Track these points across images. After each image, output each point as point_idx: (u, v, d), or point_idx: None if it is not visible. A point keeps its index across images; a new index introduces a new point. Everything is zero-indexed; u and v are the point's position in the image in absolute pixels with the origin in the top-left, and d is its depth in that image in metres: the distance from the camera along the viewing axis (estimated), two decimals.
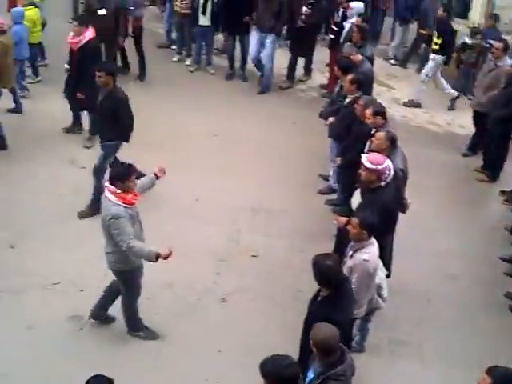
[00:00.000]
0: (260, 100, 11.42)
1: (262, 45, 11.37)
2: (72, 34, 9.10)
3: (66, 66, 9.51)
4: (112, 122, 7.74)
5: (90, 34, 9.08)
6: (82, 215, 8.01)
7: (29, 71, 10.92)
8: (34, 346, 6.16)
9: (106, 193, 5.81)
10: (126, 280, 6.19)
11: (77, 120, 9.71)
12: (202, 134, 10.06)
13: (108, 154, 7.98)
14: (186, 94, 11.20)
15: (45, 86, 10.81)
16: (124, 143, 8.05)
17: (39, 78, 11.07)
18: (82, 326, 6.52)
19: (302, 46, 11.54)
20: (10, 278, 7.03)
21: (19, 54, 10.07)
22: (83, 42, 9.00)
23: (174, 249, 5.68)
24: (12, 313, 6.62)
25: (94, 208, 7.67)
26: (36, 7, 10.65)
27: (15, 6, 10.58)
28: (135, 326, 6.46)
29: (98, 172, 7.97)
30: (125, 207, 5.75)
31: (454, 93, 11.79)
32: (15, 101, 9.99)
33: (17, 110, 10.03)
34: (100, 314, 6.52)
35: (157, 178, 6.43)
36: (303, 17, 11.14)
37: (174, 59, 12.39)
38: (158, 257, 5.66)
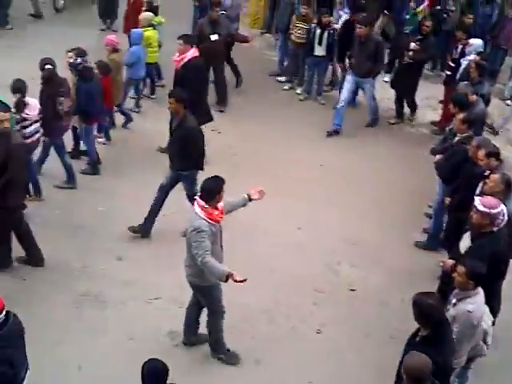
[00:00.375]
0: (368, 133, 11.36)
1: (357, 88, 11.32)
2: (177, 53, 9.39)
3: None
4: (184, 152, 7.70)
5: (193, 52, 9.34)
6: (135, 230, 8.13)
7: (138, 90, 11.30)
8: (133, 357, 6.32)
9: (195, 206, 5.90)
10: (204, 295, 6.25)
11: None
12: (306, 163, 10.12)
13: (191, 183, 7.93)
14: (293, 121, 11.31)
15: (158, 106, 11.14)
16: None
17: (154, 96, 11.50)
18: (177, 342, 6.65)
19: (404, 82, 11.21)
20: (114, 288, 7.30)
21: (135, 73, 10.54)
22: (186, 59, 9.26)
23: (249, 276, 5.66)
24: (115, 322, 6.86)
25: (149, 226, 8.01)
26: (154, 29, 11.07)
27: (135, 27, 11.05)
28: (218, 348, 6.50)
29: (192, 198, 8.07)
30: (209, 223, 5.81)
31: None
32: (124, 113, 10.47)
33: (127, 121, 10.50)
34: (192, 340, 6.62)
35: (250, 199, 6.37)
36: (411, 53, 10.98)
37: (285, 87, 12.55)
38: (228, 278, 5.65)
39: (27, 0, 14.29)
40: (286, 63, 12.92)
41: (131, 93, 10.96)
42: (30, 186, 8.43)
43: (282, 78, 12.66)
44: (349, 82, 11.02)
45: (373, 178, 9.87)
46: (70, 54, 8.84)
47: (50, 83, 8.38)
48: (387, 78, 12.22)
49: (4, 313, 4.84)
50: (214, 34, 10.77)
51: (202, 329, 6.56)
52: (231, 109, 11.48)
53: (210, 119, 9.74)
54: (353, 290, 7.66)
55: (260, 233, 8.35)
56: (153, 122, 10.55)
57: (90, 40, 10.75)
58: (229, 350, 6.50)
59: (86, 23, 13.26)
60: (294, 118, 11.43)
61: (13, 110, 7.74)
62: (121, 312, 7.00)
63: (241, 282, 5.60)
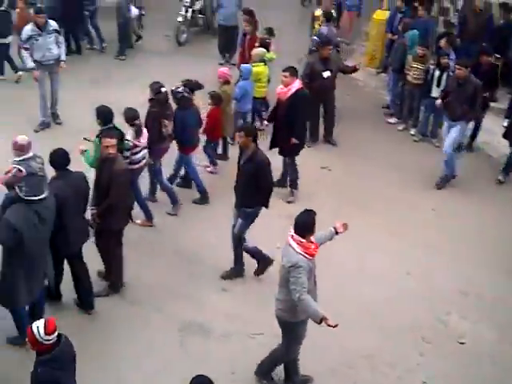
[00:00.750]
0: (483, 179, 10.90)
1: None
2: (281, 85, 9.44)
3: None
4: (251, 187, 7.58)
5: (297, 84, 9.38)
6: (225, 276, 8.08)
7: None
8: None
9: (290, 241, 5.89)
10: (288, 331, 6.23)
11: (285, 174, 9.96)
12: (418, 206, 9.85)
13: (247, 222, 7.82)
14: (406, 162, 11.06)
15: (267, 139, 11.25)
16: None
17: (262, 127, 11.56)
18: (280, 379, 6.60)
19: None
20: (218, 320, 7.35)
21: (243, 106, 10.75)
22: (292, 91, 9.28)
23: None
24: (217, 354, 6.88)
25: (237, 271, 7.99)
26: (265, 64, 11.24)
27: (245, 63, 11.31)
28: (265, 373, 6.48)
29: (236, 240, 7.96)
30: (306, 258, 5.81)
31: None
32: (224, 148, 10.65)
33: (222, 157, 10.62)
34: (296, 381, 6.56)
35: (337, 233, 6.36)
36: None
37: (399, 128, 12.35)
38: (322, 320, 5.61)
39: (148, 34, 15.02)
40: (390, 101, 12.76)
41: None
42: (141, 210, 8.71)
43: (393, 120, 12.48)
44: (446, 126, 10.67)
45: (490, 227, 9.45)
46: (179, 84, 9.13)
47: (159, 105, 8.71)
48: (505, 123, 11.75)
49: (56, 334, 4.97)
50: (325, 70, 10.82)
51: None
52: (342, 146, 11.42)
53: (301, 147, 9.72)
54: (462, 343, 7.33)
55: (366, 275, 8.16)
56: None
57: (207, 72, 11.01)
58: (272, 379, 6.51)
59: (205, 57, 13.65)
60: (407, 159, 11.20)
61: (128, 137, 8.11)
62: (224, 344, 7.03)
63: (333, 327, 5.58)
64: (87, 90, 12.16)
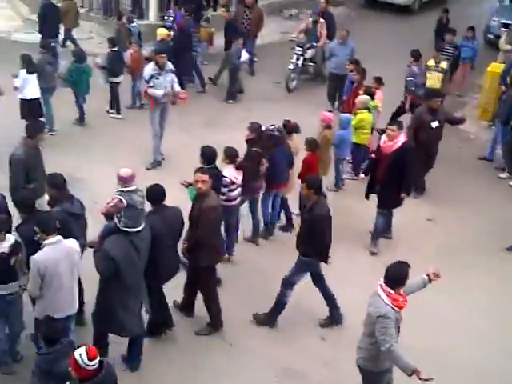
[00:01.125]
0: None
1: None
2: (385, 138, 9.30)
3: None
4: (310, 237, 7.55)
5: (403, 137, 9.27)
6: (257, 319, 7.97)
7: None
8: None
9: (379, 291, 5.85)
10: (369, 381, 6.12)
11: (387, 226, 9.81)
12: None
13: (300, 270, 7.72)
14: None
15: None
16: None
17: (357, 178, 11.40)
18: None
19: None
20: (315, 368, 7.34)
21: (341, 153, 10.88)
22: (398, 144, 9.16)
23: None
24: None
25: (272, 317, 7.84)
26: (369, 112, 11.19)
27: (349, 111, 11.37)
28: None
29: (285, 283, 7.80)
30: (394, 310, 5.73)
31: None
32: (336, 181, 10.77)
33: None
34: None
35: (430, 280, 6.21)
36: None
37: (502, 175, 11.90)
38: (413, 373, 5.48)
39: (259, 80, 15.36)
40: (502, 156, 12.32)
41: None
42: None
43: (504, 175, 11.99)
44: None
45: None
46: (273, 126, 9.27)
47: (258, 145, 8.90)
48: None
49: (98, 360, 5.15)
50: (434, 121, 10.66)
51: None
52: (451, 198, 11.13)
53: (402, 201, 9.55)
54: None
55: (465, 331, 7.87)
56: (356, 201, 10.38)
57: (314, 119, 11.04)
58: None
59: (313, 104, 13.70)
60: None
61: (226, 174, 8.34)
62: None
63: (426, 380, 5.42)
64: (196, 132, 12.51)
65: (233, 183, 8.41)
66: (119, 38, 13.60)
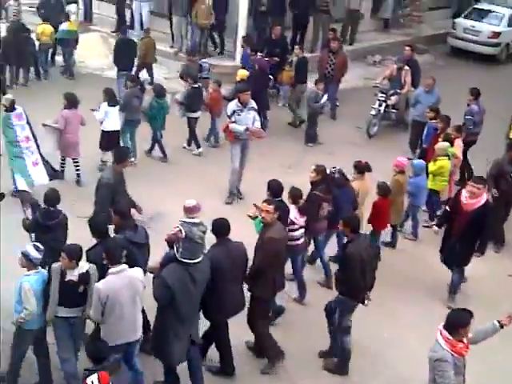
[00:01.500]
0: None
1: None
2: (467, 194, 9.00)
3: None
4: (343, 275, 7.53)
5: (486, 195, 9.07)
6: (327, 366, 7.90)
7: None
8: None
9: (438, 335, 5.85)
10: None
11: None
12: None
13: (342, 311, 7.60)
14: None
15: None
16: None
17: (429, 224, 11.08)
18: None
19: None
20: None
21: (416, 200, 10.70)
22: (481, 202, 8.91)
23: None
24: None
25: (342, 367, 7.68)
26: (449, 159, 10.93)
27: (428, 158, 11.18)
28: None
29: (340, 331, 7.59)
30: (452, 355, 5.73)
31: None
32: (392, 236, 10.53)
33: (389, 244, 10.51)
34: None
35: (502, 326, 6.03)
36: None
37: None
38: None
39: (340, 124, 15.26)
40: None
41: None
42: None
43: None
44: None
45: None
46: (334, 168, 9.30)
47: (320, 188, 8.89)
48: None
49: None
50: None
51: None
52: None
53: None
54: None
55: None
56: (432, 251, 9.96)
57: (390, 165, 10.87)
58: None
59: (393, 150, 13.45)
60: None
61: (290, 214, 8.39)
62: None
63: None
64: (275, 173, 12.36)
65: (293, 223, 8.44)
66: (188, 73, 13.80)
